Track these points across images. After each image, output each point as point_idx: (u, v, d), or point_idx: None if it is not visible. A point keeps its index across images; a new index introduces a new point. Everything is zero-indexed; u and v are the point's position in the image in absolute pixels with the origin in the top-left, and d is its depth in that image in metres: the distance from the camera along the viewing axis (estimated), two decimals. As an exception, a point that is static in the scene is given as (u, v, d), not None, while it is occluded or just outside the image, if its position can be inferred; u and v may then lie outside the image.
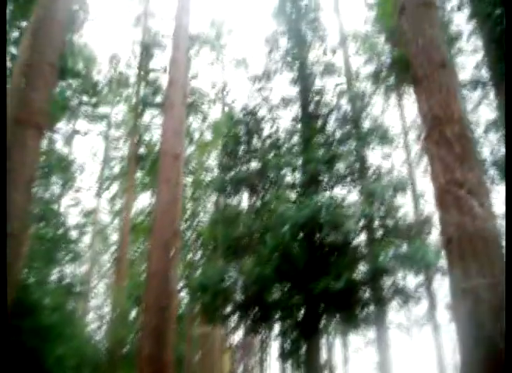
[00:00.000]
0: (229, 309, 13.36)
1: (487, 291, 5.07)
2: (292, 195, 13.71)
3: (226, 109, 29.79)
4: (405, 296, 13.43)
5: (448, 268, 5.65)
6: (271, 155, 13.93)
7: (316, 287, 11.40)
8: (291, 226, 11.49)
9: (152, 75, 31.43)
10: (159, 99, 29.94)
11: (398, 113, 23.14)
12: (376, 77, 17.16)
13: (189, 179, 35.34)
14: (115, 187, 38.93)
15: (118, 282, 27.02)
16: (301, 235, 12.50)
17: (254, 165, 14.10)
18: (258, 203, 13.59)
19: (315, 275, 11.94)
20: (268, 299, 12.71)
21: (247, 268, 12.26)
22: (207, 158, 34.12)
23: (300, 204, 12.01)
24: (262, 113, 15.44)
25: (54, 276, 25.14)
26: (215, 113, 32.71)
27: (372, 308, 13.38)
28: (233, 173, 13.97)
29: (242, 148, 14.39)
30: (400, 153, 22.96)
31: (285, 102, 15.61)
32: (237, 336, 42.06)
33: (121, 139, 38.08)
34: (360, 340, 28.45)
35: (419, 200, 20.11)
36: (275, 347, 46.12)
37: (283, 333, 13.61)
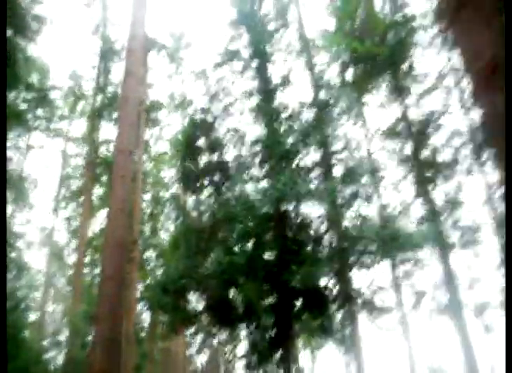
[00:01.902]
0: (191, 311, 12.33)
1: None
2: (256, 183, 12.98)
3: (186, 120, 29.05)
4: (372, 307, 12.85)
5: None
6: (232, 147, 13.28)
7: (291, 277, 10.57)
8: (260, 212, 10.69)
9: (109, 88, 30.46)
10: (116, 112, 29.00)
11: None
12: (342, 73, 16.83)
13: (147, 197, 34.35)
14: (72, 206, 37.48)
15: (74, 304, 25.61)
16: (271, 223, 11.69)
17: (215, 157, 13.41)
18: (221, 195, 12.74)
19: (288, 265, 11.10)
20: (236, 298, 11.77)
21: (214, 259, 11.29)
22: (165, 171, 33.27)
23: (267, 184, 11.27)
24: (219, 107, 14.82)
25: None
26: (174, 125, 32.00)
27: (343, 310, 12.64)
28: (193, 167, 13.17)
29: (202, 141, 13.66)
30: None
31: (246, 95, 15.05)
32: (201, 358, 40.69)
33: (79, 155, 36.80)
34: (332, 348, 27.53)
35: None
36: (240, 370, 44.90)
37: (252, 341, 12.57)
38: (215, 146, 13.35)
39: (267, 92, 15.77)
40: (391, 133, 22.11)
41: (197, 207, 13.03)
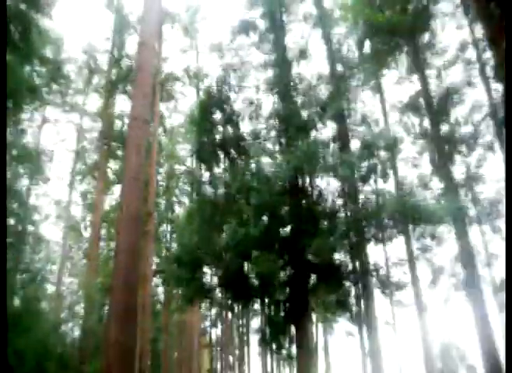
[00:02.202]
0: (206, 285, 12.27)
1: None
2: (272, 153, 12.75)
3: (201, 93, 28.71)
4: (387, 283, 12.70)
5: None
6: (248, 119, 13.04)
7: (306, 250, 10.40)
8: (278, 180, 10.48)
9: (124, 61, 30.20)
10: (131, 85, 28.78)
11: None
12: (360, 44, 16.40)
13: (162, 170, 34.30)
14: (88, 180, 37.63)
15: (90, 277, 25.86)
16: (287, 196, 11.47)
17: (231, 130, 13.18)
18: (236, 168, 12.55)
19: (303, 238, 10.93)
20: (250, 272, 11.66)
21: (229, 231, 11.15)
22: (180, 145, 33.15)
23: (283, 156, 11.04)
24: (235, 79, 14.54)
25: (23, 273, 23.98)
26: (189, 99, 31.74)
27: (359, 285, 12.51)
28: (208, 139, 12.97)
29: (217, 115, 13.43)
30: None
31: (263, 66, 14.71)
32: (216, 331, 41.15)
33: (94, 130, 36.74)
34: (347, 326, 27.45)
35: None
36: (254, 343, 45.33)
37: (267, 315, 12.50)
38: (231, 118, 13.11)
39: (283, 63, 15.43)
40: (410, 107, 21.66)
41: (212, 180, 12.86)
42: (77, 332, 27.34)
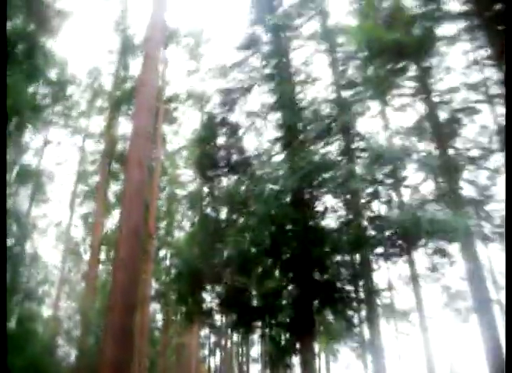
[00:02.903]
0: (209, 302, 11.83)
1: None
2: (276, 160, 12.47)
3: (205, 118, 28.66)
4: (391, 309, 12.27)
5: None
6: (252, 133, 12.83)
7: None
8: (284, 191, 10.15)
9: (128, 83, 30.26)
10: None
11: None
12: (365, 66, 16.26)
13: (163, 195, 34.06)
14: (89, 203, 37.39)
15: (88, 300, 25.37)
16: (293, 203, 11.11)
17: (232, 141, 12.97)
18: (239, 179, 12.25)
19: (310, 255, 10.54)
20: (253, 290, 11.23)
21: (232, 242, 10.75)
22: (181, 169, 32.98)
23: (289, 167, 10.72)
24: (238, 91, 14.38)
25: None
26: (192, 123, 31.70)
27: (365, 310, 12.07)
28: (211, 152, 12.71)
29: (220, 131, 13.22)
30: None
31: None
32: (214, 360, 40.24)
33: (96, 152, 36.67)
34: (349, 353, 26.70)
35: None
36: (254, 371, 44.33)
37: (270, 337, 12.01)
38: (235, 131, 12.90)
39: (287, 82, 15.30)
40: (415, 131, 21.49)
41: (213, 194, 12.57)
42: (73, 357, 26.72)
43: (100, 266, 32.77)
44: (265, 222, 10.33)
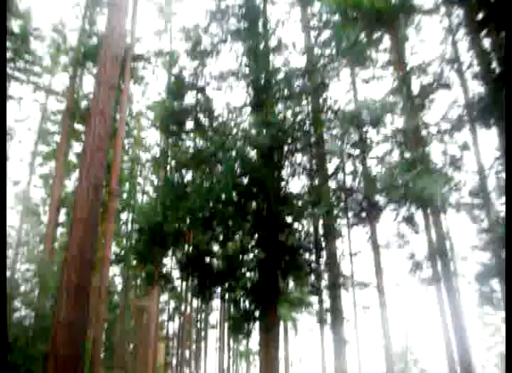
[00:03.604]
0: (170, 264, 11.49)
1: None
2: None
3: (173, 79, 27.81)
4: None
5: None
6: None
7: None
8: (257, 147, 9.76)
9: (94, 39, 29.10)
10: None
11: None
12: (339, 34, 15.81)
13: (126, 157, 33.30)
14: (50, 163, 36.28)
15: (46, 263, 24.73)
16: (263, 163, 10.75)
17: (202, 99, 12.46)
18: (206, 134, 11.80)
19: (278, 217, 10.27)
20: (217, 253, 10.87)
21: (196, 189, 10.28)
22: (146, 131, 32.21)
23: (261, 123, 10.33)
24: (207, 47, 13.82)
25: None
26: (159, 85, 30.83)
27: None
28: (178, 107, 12.20)
29: (188, 80, 12.67)
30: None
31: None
32: (173, 326, 40.24)
33: (59, 111, 35.44)
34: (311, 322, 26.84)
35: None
36: (212, 339, 44.60)
37: (234, 301, 11.73)
38: (203, 88, 12.39)
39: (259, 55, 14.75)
40: (385, 103, 21.38)
41: (179, 153, 12.05)
42: (31, 320, 26.13)
43: (60, 229, 32.04)
44: (233, 178, 9.95)
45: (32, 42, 31.84)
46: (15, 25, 30.22)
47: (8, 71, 32.44)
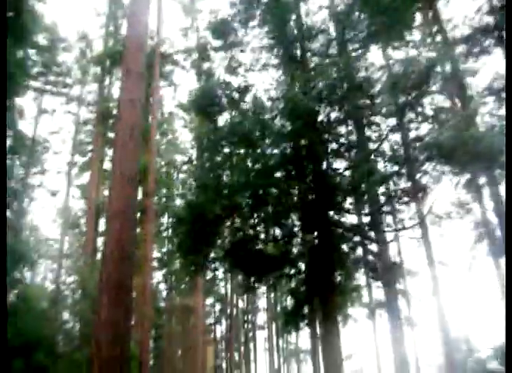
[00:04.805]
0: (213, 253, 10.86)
1: None
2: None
3: (202, 77, 27.39)
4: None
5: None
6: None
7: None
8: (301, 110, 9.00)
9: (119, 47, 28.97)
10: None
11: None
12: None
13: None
14: (86, 173, 36.37)
15: (87, 274, 24.61)
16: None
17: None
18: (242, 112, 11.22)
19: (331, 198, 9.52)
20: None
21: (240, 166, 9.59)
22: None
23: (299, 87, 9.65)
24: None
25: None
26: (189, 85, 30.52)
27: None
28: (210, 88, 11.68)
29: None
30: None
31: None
32: (220, 328, 39.86)
33: (91, 121, 35.52)
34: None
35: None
36: (261, 340, 43.95)
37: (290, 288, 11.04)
38: (235, 69, 11.81)
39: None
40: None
41: (215, 131, 11.48)
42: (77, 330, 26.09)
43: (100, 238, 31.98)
44: (283, 140, 9.20)
45: (60, 53, 31.97)
46: (41, 38, 30.34)
47: (40, 84, 32.65)
